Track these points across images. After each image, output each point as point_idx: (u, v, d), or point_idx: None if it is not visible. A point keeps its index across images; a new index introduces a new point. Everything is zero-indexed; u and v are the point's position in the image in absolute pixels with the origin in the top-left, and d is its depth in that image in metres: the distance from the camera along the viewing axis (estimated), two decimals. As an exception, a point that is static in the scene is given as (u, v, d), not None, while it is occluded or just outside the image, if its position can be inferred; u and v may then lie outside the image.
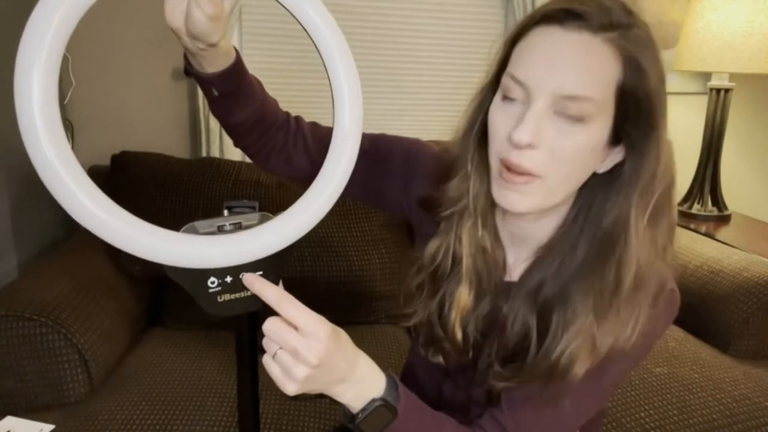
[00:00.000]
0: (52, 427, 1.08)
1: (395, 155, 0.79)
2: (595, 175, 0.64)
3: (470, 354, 0.72)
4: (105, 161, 1.62)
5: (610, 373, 0.66)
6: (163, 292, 1.58)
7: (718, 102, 1.95)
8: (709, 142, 2.01)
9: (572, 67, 0.57)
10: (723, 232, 1.89)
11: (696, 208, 2.04)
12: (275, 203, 1.53)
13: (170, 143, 1.76)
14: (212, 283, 0.53)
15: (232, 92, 0.71)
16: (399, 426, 0.61)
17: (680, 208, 1.97)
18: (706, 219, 2.00)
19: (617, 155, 0.63)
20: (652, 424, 1.17)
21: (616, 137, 0.61)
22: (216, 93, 0.69)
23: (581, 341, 0.61)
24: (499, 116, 0.62)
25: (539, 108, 0.58)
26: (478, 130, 0.68)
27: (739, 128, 2.27)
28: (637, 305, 0.62)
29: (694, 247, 1.70)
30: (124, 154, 1.58)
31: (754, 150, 2.38)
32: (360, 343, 1.44)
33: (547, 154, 0.59)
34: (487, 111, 0.65)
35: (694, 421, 1.18)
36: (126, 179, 1.53)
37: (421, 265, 0.74)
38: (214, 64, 0.67)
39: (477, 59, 1.95)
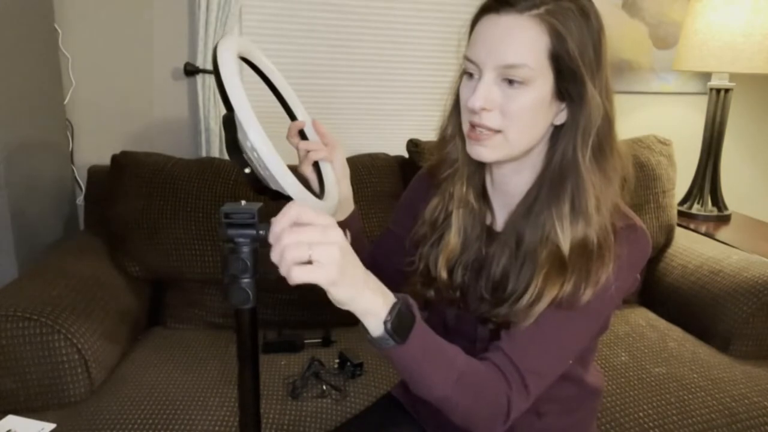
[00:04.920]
0: (53, 426, 1.08)
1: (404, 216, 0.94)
2: (555, 128, 0.77)
3: (458, 293, 0.84)
4: (105, 161, 1.62)
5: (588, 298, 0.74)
6: (163, 292, 1.58)
7: (718, 102, 1.96)
8: (709, 142, 2.01)
9: (506, 43, 0.71)
10: (723, 232, 1.89)
11: (696, 208, 2.04)
12: (275, 203, 1.53)
13: (170, 143, 1.76)
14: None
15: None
16: (420, 332, 0.66)
17: (680, 208, 1.97)
18: (706, 219, 2.00)
19: (566, 109, 0.75)
20: (651, 424, 1.17)
21: (561, 94, 0.73)
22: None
23: (550, 266, 0.73)
24: (463, 90, 0.77)
25: (487, 79, 0.72)
26: (458, 106, 0.81)
27: (739, 128, 2.27)
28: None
29: (694, 247, 1.70)
30: (124, 154, 1.58)
31: (754, 150, 2.38)
32: (360, 343, 1.44)
33: (500, 113, 0.73)
34: None
35: (693, 420, 1.18)
36: (126, 179, 1.53)
37: (424, 220, 0.87)
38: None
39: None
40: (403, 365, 0.68)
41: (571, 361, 0.79)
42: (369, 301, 0.62)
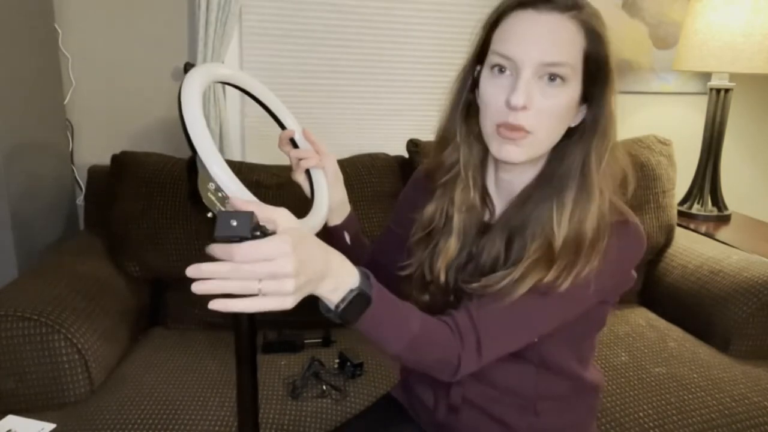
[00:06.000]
0: (53, 426, 1.08)
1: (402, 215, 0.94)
2: (567, 130, 0.77)
3: (452, 297, 0.83)
4: (105, 161, 1.62)
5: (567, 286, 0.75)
6: (163, 292, 1.58)
7: (718, 102, 1.96)
8: (709, 142, 2.01)
9: (549, 40, 0.71)
10: (723, 232, 1.89)
11: (696, 208, 2.04)
12: (275, 203, 1.53)
13: (170, 143, 1.76)
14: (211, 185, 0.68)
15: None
16: (373, 313, 0.66)
17: (680, 208, 1.97)
18: (706, 219, 2.00)
19: (583, 111, 0.77)
20: (650, 424, 1.17)
21: (584, 96, 0.75)
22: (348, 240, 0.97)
23: (539, 256, 0.73)
24: (492, 88, 0.74)
25: (527, 76, 0.71)
26: (463, 106, 0.81)
27: (739, 128, 2.27)
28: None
29: (694, 247, 1.70)
30: (124, 154, 1.58)
31: (754, 150, 2.38)
32: (360, 343, 1.43)
33: (536, 113, 0.72)
34: (470, 89, 0.80)
35: (692, 420, 1.18)
36: (126, 179, 1.53)
37: (420, 225, 0.87)
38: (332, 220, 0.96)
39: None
40: (357, 331, 0.69)
41: (535, 339, 0.79)
42: (320, 289, 0.62)
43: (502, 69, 0.73)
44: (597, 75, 0.73)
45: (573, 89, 0.73)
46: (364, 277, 0.66)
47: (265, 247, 0.55)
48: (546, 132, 0.74)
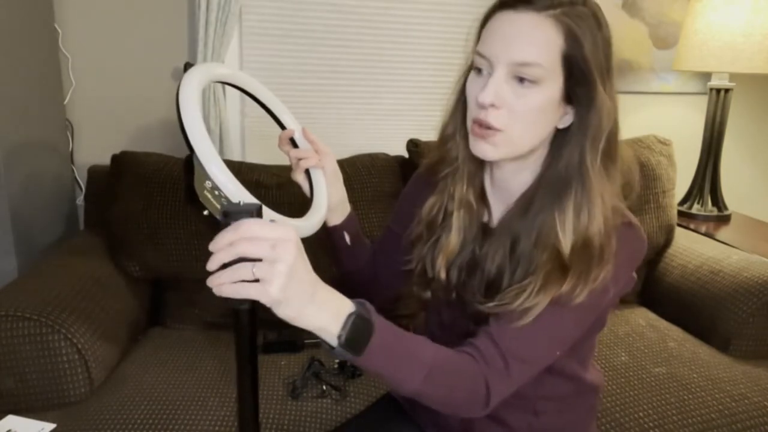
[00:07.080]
0: (53, 426, 1.08)
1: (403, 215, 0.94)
2: (558, 131, 0.76)
3: (454, 294, 0.84)
4: (105, 161, 1.62)
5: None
6: (163, 292, 1.58)
7: (718, 102, 1.96)
8: (709, 142, 2.01)
9: (522, 40, 0.70)
10: (723, 232, 1.89)
11: (696, 208, 2.04)
12: (275, 203, 1.53)
13: (170, 143, 1.76)
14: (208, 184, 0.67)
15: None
16: (380, 339, 0.64)
17: (680, 208, 1.97)
18: (706, 219, 2.00)
19: (571, 112, 0.75)
20: (650, 424, 1.17)
21: (569, 97, 0.73)
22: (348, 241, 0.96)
23: (550, 267, 0.73)
24: (471, 86, 0.76)
25: (498, 75, 0.72)
26: (462, 103, 0.81)
27: (739, 128, 2.27)
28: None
29: (694, 247, 1.70)
30: (124, 154, 1.58)
31: (754, 150, 2.38)
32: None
33: (507, 112, 0.72)
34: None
35: (692, 420, 1.18)
36: (126, 179, 1.53)
37: (420, 219, 0.87)
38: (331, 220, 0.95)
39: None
40: (369, 370, 0.67)
41: (558, 353, 0.78)
42: (316, 318, 0.60)
43: (480, 69, 0.74)
44: (579, 76, 0.72)
45: (549, 89, 0.72)
46: (359, 304, 0.65)
47: (272, 228, 0.56)
48: (519, 131, 0.73)
